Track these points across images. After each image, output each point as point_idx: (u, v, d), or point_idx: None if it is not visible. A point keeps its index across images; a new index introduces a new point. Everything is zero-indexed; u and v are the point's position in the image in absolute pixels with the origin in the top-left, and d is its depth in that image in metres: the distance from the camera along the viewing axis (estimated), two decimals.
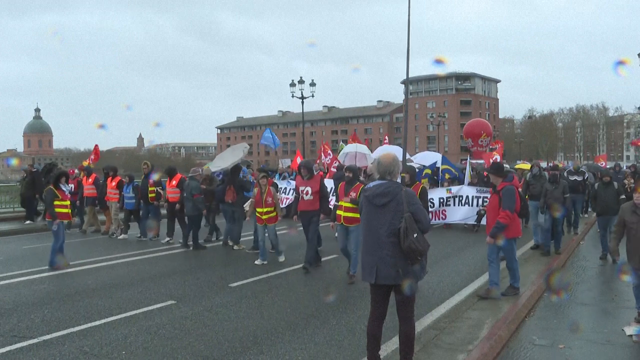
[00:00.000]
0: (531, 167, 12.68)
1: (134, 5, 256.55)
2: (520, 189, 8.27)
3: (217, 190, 12.00)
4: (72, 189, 14.14)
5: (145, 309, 6.75)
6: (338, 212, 8.23)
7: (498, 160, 16.38)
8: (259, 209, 9.78)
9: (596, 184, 10.81)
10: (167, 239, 12.37)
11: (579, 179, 14.10)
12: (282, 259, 9.90)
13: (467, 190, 14.15)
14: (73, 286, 8.02)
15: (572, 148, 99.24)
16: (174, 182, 12.20)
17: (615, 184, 10.46)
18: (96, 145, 18.35)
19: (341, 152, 18.45)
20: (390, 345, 5.25)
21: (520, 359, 5.26)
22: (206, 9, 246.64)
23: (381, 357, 4.70)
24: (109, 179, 13.67)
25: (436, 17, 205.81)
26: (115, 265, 9.76)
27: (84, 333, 5.82)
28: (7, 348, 5.35)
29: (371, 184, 4.69)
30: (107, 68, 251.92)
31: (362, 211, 4.69)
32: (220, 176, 13.19)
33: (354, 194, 7.90)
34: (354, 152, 17.80)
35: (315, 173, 9.64)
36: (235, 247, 11.37)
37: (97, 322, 6.17)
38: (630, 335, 5.71)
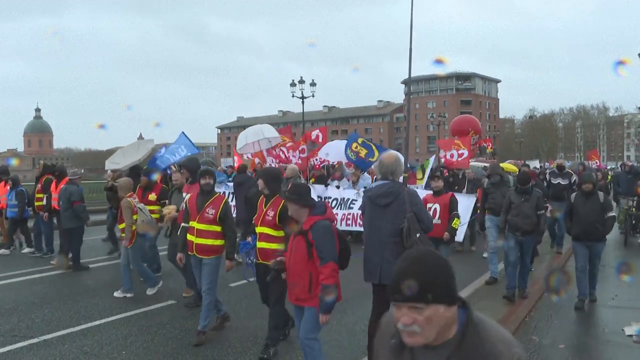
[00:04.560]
0: (487, 175, 8.95)
1: (126, 9, 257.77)
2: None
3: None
4: None
5: (145, 308, 6.75)
6: (189, 237, 5.72)
7: (465, 155, 11.77)
8: (121, 225, 7.60)
9: (573, 195, 7.33)
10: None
11: (564, 182, 10.75)
12: (150, 291, 7.61)
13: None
14: (73, 286, 8.02)
15: (573, 148, 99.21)
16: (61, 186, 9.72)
17: (601, 194, 7.04)
18: None
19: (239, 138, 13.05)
20: None
21: None
22: (195, 13, 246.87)
23: None
24: (2, 183, 11.34)
25: (436, 17, 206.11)
26: (116, 265, 9.74)
27: (84, 333, 5.82)
28: (8, 348, 5.36)
29: (373, 184, 4.68)
30: (106, 69, 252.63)
31: (364, 212, 4.69)
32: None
33: (213, 211, 5.61)
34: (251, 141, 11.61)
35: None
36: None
37: (98, 322, 6.18)
38: (630, 335, 5.71)
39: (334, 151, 12.26)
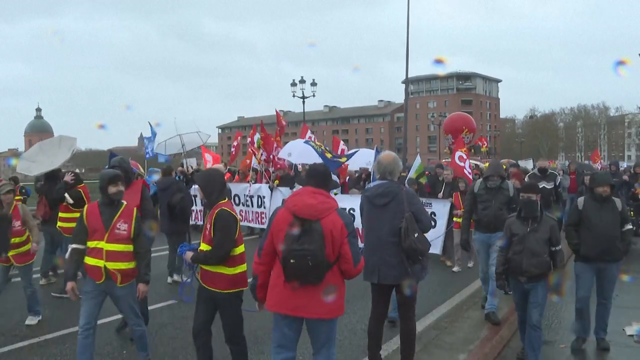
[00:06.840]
0: (485, 176, 6.56)
1: (124, 11, 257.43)
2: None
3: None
4: None
5: None
6: (93, 261, 4.57)
7: (464, 159, 10.24)
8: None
9: (580, 199, 5.50)
10: None
11: (549, 186, 9.19)
12: (30, 321, 6.28)
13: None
14: None
15: (574, 148, 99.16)
16: None
17: (618, 201, 5.41)
18: None
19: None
20: (390, 345, 5.25)
21: None
22: (193, 14, 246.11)
23: (382, 357, 4.70)
24: None
25: (436, 17, 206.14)
26: None
27: None
28: (8, 347, 5.37)
29: (371, 184, 4.68)
30: (106, 70, 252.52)
31: (362, 212, 4.70)
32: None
33: (126, 226, 4.56)
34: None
35: (135, 179, 6.26)
36: (42, 282, 8.11)
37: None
38: (631, 335, 5.71)
39: (297, 151, 10.66)
